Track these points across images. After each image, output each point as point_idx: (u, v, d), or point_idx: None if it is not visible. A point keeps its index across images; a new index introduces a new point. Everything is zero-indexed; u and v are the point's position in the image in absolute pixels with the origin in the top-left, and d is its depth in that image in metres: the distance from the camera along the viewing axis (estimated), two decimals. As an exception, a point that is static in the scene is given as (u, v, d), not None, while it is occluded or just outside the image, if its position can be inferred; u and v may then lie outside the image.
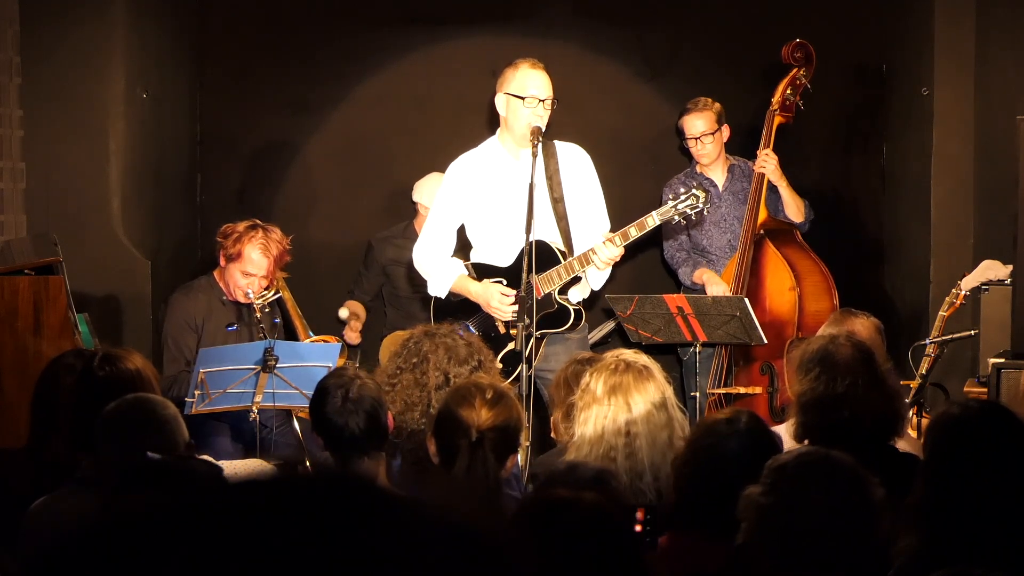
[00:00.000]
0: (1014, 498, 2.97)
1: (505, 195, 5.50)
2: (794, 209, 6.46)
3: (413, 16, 7.24)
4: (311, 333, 6.17)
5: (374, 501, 1.00)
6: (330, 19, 7.24)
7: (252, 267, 5.76)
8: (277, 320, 5.91)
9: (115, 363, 3.78)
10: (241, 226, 5.82)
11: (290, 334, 6.22)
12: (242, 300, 5.82)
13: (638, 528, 3.11)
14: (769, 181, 6.41)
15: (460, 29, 7.26)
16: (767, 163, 6.36)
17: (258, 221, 5.86)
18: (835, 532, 2.58)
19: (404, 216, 6.98)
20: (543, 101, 5.42)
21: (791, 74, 6.44)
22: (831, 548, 2.58)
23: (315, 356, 5.27)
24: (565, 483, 2.90)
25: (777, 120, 6.44)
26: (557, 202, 5.47)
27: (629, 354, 3.93)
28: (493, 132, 5.72)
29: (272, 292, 5.81)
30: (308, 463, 5.77)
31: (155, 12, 6.72)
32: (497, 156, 5.58)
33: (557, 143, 5.55)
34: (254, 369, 5.13)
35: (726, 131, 6.61)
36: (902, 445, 3.94)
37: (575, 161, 5.57)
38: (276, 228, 5.86)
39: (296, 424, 5.51)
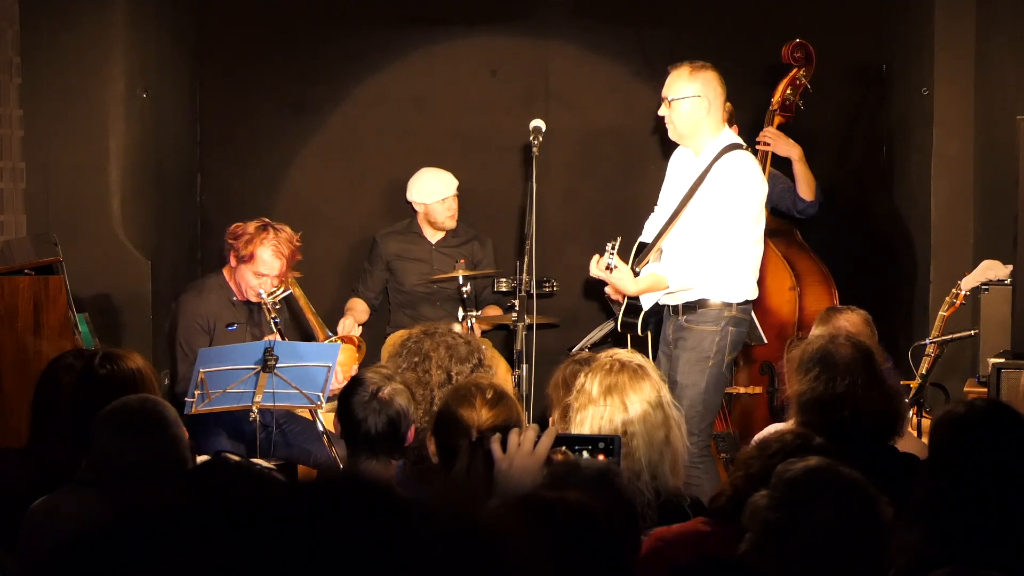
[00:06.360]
0: (1018, 497, 2.97)
1: (677, 184, 5.64)
2: (806, 187, 6.44)
3: (413, 16, 7.24)
4: (330, 333, 6.15)
5: (380, 503, 1.00)
6: (330, 19, 7.24)
7: (265, 268, 5.72)
8: (278, 320, 5.89)
9: (116, 362, 3.78)
10: (251, 227, 5.75)
11: (306, 335, 6.21)
12: (254, 299, 5.79)
13: None
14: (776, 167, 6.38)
15: (460, 29, 7.26)
16: (771, 140, 6.33)
17: (268, 220, 5.80)
18: (842, 551, 2.56)
19: (404, 215, 7.00)
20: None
21: (791, 74, 6.43)
22: (836, 567, 2.57)
23: (315, 356, 5.26)
24: (569, 484, 2.88)
25: (777, 120, 6.44)
26: (682, 203, 5.51)
27: (624, 354, 3.90)
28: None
29: (282, 289, 5.79)
30: (310, 464, 5.79)
31: (155, 12, 6.72)
32: (688, 152, 5.66)
33: (729, 154, 5.48)
34: (254, 369, 5.12)
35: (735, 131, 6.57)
36: (902, 445, 3.94)
37: (711, 174, 5.49)
38: (286, 227, 5.81)
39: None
